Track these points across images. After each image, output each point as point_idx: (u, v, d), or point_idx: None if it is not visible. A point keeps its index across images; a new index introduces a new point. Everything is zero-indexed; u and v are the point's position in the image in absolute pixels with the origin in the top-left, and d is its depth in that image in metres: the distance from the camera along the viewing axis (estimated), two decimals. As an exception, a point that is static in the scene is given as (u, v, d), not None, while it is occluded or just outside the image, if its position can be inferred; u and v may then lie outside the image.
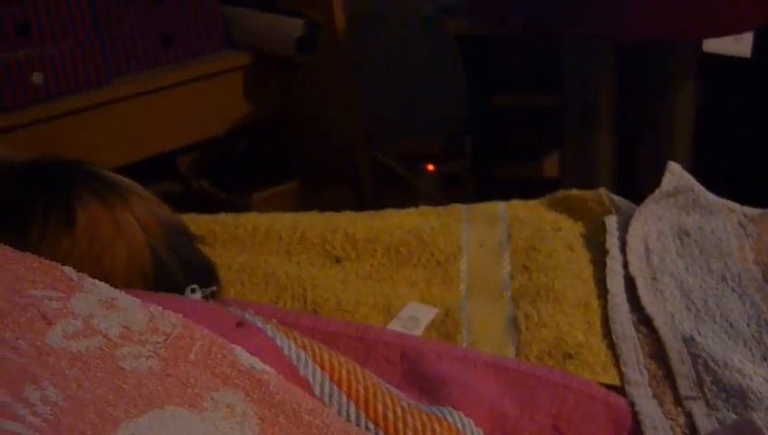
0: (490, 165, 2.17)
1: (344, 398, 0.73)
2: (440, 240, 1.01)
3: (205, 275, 0.88)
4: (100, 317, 0.61)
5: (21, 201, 0.78)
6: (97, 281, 0.63)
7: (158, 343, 0.62)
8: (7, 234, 0.72)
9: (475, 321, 0.90)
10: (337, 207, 2.08)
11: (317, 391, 0.73)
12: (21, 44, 1.83)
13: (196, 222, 1.08)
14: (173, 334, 0.62)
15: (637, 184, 1.70)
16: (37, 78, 1.86)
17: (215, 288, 0.82)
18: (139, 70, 2.02)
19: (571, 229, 1.01)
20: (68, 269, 0.63)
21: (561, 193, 1.09)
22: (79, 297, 0.61)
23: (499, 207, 1.08)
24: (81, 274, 0.63)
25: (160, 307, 0.64)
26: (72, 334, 0.58)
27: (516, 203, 1.10)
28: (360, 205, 2.14)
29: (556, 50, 1.82)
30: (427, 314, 0.92)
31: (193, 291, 0.80)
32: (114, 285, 0.66)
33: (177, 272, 0.84)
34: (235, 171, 2.15)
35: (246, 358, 0.65)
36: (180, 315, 0.65)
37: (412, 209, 1.11)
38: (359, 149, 2.13)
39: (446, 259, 0.99)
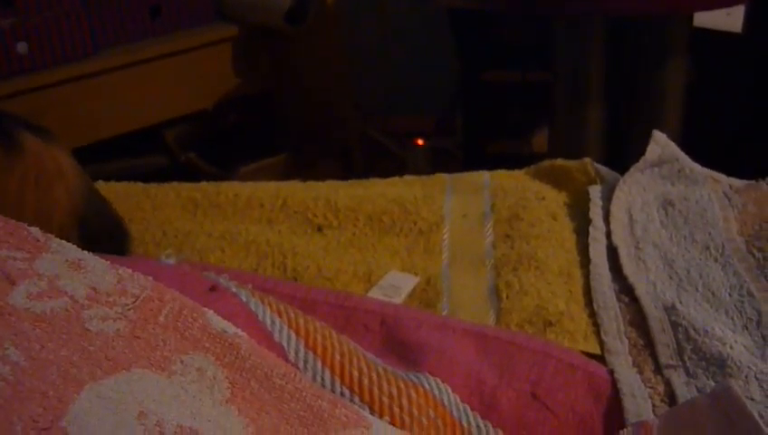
0: (480, 141, 2.15)
1: (319, 364, 0.72)
2: (423, 209, 1.00)
3: (117, 229, 0.88)
4: (67, 278, 0.59)
5: None
6: (64, 242, 0.62)
7: (126, 305, 0.60)
8: None
9: (457, 289, 0.89)
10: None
11: (291, 356, 0.72)
12: (5, 14, 1.81)
13: (176, 190, 1.07)
14: (142, 296, 0.61)
15: (625, 158, 1.69)
16: (22, 48, 1.84)
17: (182, 256, 0.81)
18: (127, 41, 2.00)
19: (555, 199, 1.00)
20: (34, 229, 0.62)
21: (546, 163, 1.08)
22: (45, 258, 0.60)
23: (483, 176, 1.07)
24: (47, 234, 0.62)
25: (129, 269, 0.63)
26: (36, 295, 0.57)
27: (501, 173, 1.08)
28: (349, 179, 2.12)
29: (548, 24, 1.80)
30: (409, 282, 0.91)
31: (167, 256, 0.79)
32: (51, 222, 0.64)
33: (97, 222, 0.83)
34: (222, 144, 2.13)
35: (218, 322, 0.64)
36: (150, 278, 0.63)
37: (396, 178, 1.10)
38: (349, 122, 2.12)
39: (429, 228, 0.98)
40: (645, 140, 1.55)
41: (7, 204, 0.67)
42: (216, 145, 2.13)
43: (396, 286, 0.91)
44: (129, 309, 0.60)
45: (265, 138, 2.19)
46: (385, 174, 2.26)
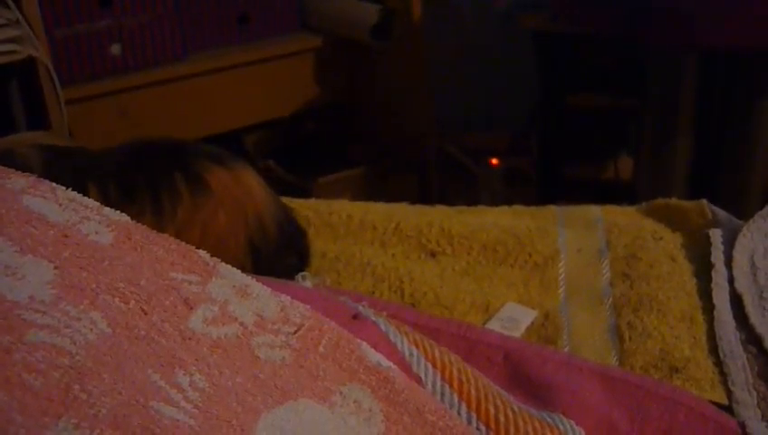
0: (557, 163, 2.15)
1: (456, 397, 0.72)
2: (538, 242, 1.00)
3: (302, 254, 0.90)
4: (236, 304, 0.61)
5: (143, 178, 0.79)
6: (230, 266, 0.63)
7: (289, 333, 0.61)
8: (140, 213, 0.72)
9: (576, 326, 0.89)
10: (402, 196, 2.08)
11: (429, 388, 0.72)
12: (102, 15, 1.84)
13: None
14: (305, 326, 0.62)
15: (711, 194, 1.68)
16: (115, 49, 1.88)
17: (326, 278, 0.82)
18: (214, 47, 2.03)
19: (672, 239, 1.00)
20: (202, 253, 0.63)
21: (659, 201, 1.07)
22: (215, 283, 0.61)
23: (594, 211, 1.07)
24: (214, 258, 0.63)
25: (289, 297, 0.64)
26: (211, 320, 0.58)
27: (612, 208, 1.08)
28: (424, 194, 2.13)
29: (636, 51, 1.79)
30: (527, 315, 0.91)
31: (303, 278, 0.80)
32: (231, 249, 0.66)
33: (284, 245, 0.85)
34: (300, 153, 2.15)
35: (372, 353, 0.65)
36: (308, 306, 0.64)
37: (505, 208, 1.10)
38: (426, 138, 2.12)
39: (544, 261, 0.98)
40: (733, 178, 1.53)
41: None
42: (293, 153, 2.15)
43: (515, 319, 0.91)
44: (292, 338, 0.61)
45: (341, 149, 2.21)
46: (459, 190, 2.27)
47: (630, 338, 0.85)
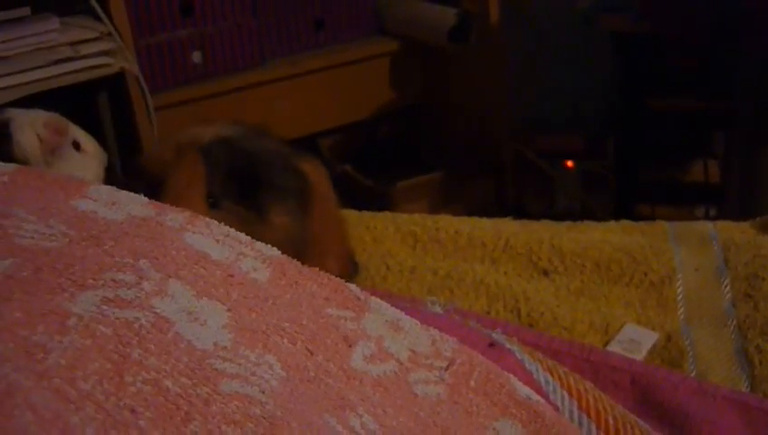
0: (635, 167, 2.11)
1: (594, 427, 0.71)
2: (653, 260, 0.98)
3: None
4: (390, 340, 0.60)
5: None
6: (379, 299, 0.63)
7: (442, 368, 0.61)
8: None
9: (701, 349, 0.87)
10: (478, 200, 2.07)
11: (566, 418, 0.71)
12: (184, 24, 1.86)
13: (394, 221, 1.09)
14: (458, 361, 0.62)
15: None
16: (197, 57, 1.89)
17: (456, 303, 0.82)
18: (292, 53, 2.04)
19: (793, 257, 0.97)
20: (352, 286, 0.63)
21: (774, 216, 1.05)
22: (369, 318, 0.61)
23: (708, 227, 1.05)
24: (364, 292, 0.63)
25: (437, 330, 0.64)
26: (370, 358, 0.58)
27: (725, 224, 1.06)
28: (501, 197, 2.12)
29: (722, 53, 1.76)
30: (648, 337, 0.90)
31: (433, 304, 0.79)
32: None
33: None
34: (376, 158, 2.15)
35: (521, 387, 0.64)
36: (455, 339, 0.64)
37: (613, 224, 1.09)
38: (502, 141, 2.11)
39: (661, 280, 0.96)
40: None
41: None
42: (368, 158, 2.15)
43: (636, 341, 0.90)
44: (444, 373, 0.61)
45: (417, 153, 2.20)
46: (534, 194, 2.25)
47: (761, 363, 0.83)
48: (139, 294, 0.46)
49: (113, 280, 0.46)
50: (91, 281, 0.46)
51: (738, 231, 1.04)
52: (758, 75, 1.63)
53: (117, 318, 0.44)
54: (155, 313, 0.46)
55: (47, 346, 0.40)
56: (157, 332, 0.44)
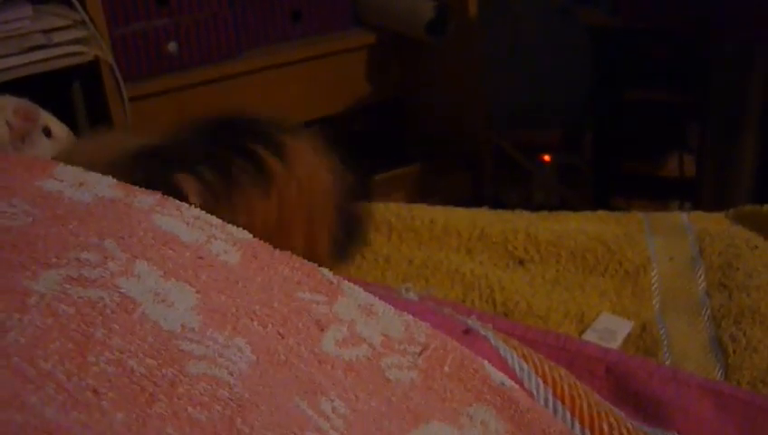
0: (612, 160, 2.12)
1: (569, 414, 0.71)
2: (628, 249, 0.98)
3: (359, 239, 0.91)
4: (362, 324, 0.60)
5: (232, 154, 0.78)
6: (352, 284, 0.62)
7: (415, 353, 0.61)
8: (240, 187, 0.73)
9: (675, 338, 0.87)
10: (456, 193, 2.06)
11: (540, 405, 0.71)
12: (159, 14, 1.84)
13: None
14: (431, 346, 0.61)
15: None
16: (172, 48, 1.87)
17: (431, 291, 0.81)
18: (268, 44, 2.02)
19: (766, 248, 0.97)
20: (325, 271, 0.62)
21: (748, 208, 1.05)
22: (341, 302, 0.60)
23: (682, 217, 1.05)
24: (337, 276, 0.62)
25: (410, 315, 0.63)
26: (342, 342, 0.57)
27: (699, 215, 1.06)
28: (478, 191, 2.11)
29: (696, 45, 1.76)
30: (623, 326, 0.90)
31: (407, 291, 0.79)
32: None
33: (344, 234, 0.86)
34: (354, 150, 2.13)
35: (495, 372, 0.64)
36: (429, 324, 0.63)
37: (589, 214, 1.09)
38: (481, 135, 2.10)
39: (636, 270, 0.96)
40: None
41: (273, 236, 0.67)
42: (347, 150, 2.13)
43: (611, 330, 0.89)
44: (418, 358, 0.60)
45: (394, 146, 2.20)
46: (512, 188, 2.25)
47: (735, 352, 0.83)
48: (103, 274, 0.45)
49: (77, 259, 0.45)
50: (54, 260, 0.44)
51: (712, 221, 1.04)
52: (732, 66, 1.63)
53: (80, 297, 0.42)
54: (120, 293, 0.45)
55: (6, 324, 0.38)
56: (122, 312, 0.43)
